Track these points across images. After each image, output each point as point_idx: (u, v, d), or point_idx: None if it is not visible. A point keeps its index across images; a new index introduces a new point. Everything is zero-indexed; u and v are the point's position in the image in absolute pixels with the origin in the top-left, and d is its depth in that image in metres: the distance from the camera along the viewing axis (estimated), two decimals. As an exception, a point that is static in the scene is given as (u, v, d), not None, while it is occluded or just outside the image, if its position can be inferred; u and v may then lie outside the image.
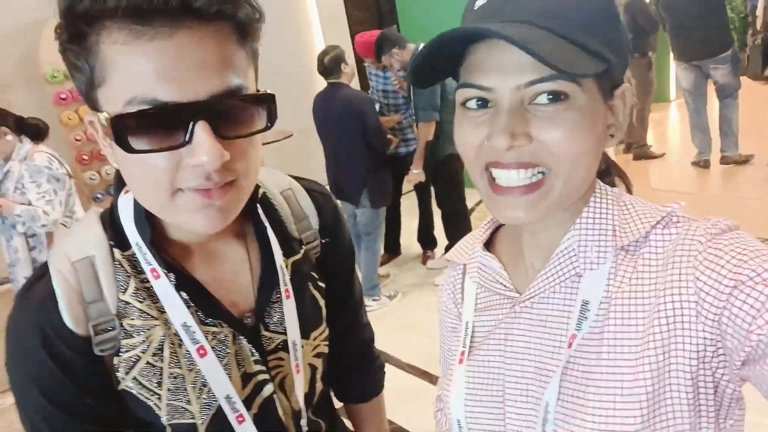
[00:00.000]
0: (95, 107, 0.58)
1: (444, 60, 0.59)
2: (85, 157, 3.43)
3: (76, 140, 3.37)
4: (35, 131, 2.74)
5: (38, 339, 0.64)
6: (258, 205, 0.76)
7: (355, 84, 3.74)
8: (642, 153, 5.47)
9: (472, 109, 0.58)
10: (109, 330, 0.66)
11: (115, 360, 0.66)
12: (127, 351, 0.66)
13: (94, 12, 0.52)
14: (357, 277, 0.96)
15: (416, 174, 3.68)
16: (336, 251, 0.87)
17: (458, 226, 3.77)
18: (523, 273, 0.69)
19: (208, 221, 0.60)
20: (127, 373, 0.67)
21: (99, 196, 3.53)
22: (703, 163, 4.87)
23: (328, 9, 4.40)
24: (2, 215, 2.66)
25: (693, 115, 4.84)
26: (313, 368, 0.82)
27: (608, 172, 0.71)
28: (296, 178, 0.86)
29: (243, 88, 0.58)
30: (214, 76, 0.55)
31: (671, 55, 6.99)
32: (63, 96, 3.32)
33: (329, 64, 3.33)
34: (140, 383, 0.67)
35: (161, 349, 0.68)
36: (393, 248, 4.31)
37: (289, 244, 0.78)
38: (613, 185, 0.69)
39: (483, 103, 0.57)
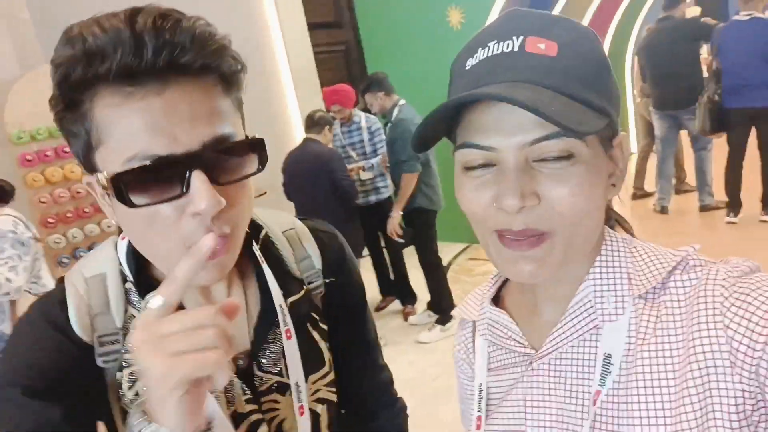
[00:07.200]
0: (94, 169, 0.60)
1: (440, 122, 0.59)
2: (51, 220, 3.29)
3: (41, 202, 3.25)
4: (-1, 193, 2.65)
5: (51, 326, 0.66)
6: (257, 246, 0.77)
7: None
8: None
9: (474, 168, 0.57)
10: (113, 343, 0.68)
11: (118, 375, 0.68)
12: (131, 366, 0.68)
13: (87, 78, 0.55)
14: (370, 318, 0.93)
15: (393, 218, 3.64)
16: (342, 291, 0.86)
17: (435, 277, 3.74)
18: (537, 328, 0.66)
19: (209, 275, 0.62)
20: (129, 389, 0.67)
21: (64, 260, 3.37)
22: (660, 209, 5.02)
23: (301, 72, 4.51)
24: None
25: (660, 162, 5.00)
26: (315, 414, 0.79)
27: (607, 217, 0.70)
28: (303, 220, 0.88)
29: (232, 136, 0.61)
30: (204, 127, 0.58)
31: (631, 109, 7.34)
32: (29, 157, 3.21)
33: (318, 120, 3.53)
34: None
35: None
36: (404, 294, 4.19)
37: (288, 284, 0.78)
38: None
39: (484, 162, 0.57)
